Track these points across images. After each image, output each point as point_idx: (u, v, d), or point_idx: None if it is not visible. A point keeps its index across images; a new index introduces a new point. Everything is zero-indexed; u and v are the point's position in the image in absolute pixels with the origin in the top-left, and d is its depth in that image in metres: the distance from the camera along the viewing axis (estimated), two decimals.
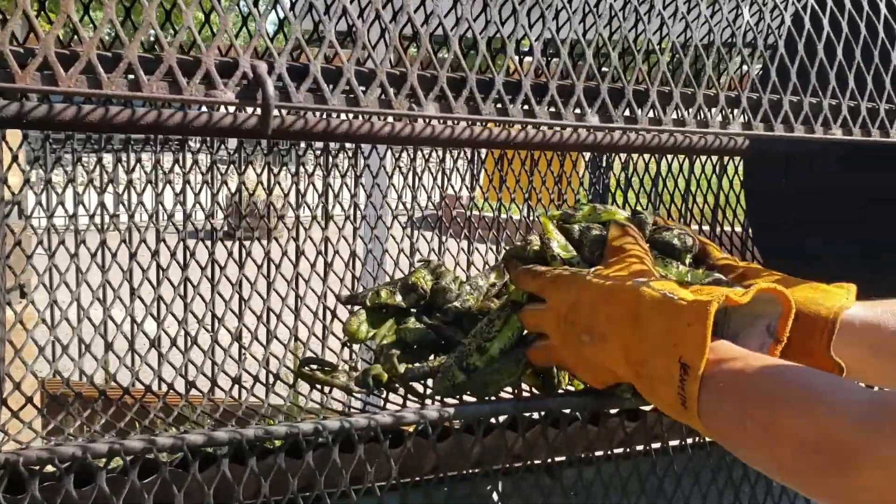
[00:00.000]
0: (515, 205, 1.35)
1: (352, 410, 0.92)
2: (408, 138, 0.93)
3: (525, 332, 0.87)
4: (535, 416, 0.93)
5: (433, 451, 0.86)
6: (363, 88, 0.65)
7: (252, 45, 0.63)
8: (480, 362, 0.88)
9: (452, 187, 1.33)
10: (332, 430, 0.78)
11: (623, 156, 1.51)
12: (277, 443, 0.81)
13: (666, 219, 0.92)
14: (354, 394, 0.98)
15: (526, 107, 0.70)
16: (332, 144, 1.21)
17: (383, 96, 0.65)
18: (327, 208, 1.17)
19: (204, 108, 0.88)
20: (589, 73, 0.73)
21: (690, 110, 0.75)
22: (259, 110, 0.61)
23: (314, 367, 1.02)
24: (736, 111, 0.77)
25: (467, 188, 1.39)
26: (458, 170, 1.33)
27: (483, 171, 1.53)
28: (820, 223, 1.23)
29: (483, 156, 1.53)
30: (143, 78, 0.59)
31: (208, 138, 1.22)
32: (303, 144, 1.22)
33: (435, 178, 1.29)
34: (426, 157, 1.29)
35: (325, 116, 0.93)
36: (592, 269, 0.79)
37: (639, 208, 0.92)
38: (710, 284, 0.79)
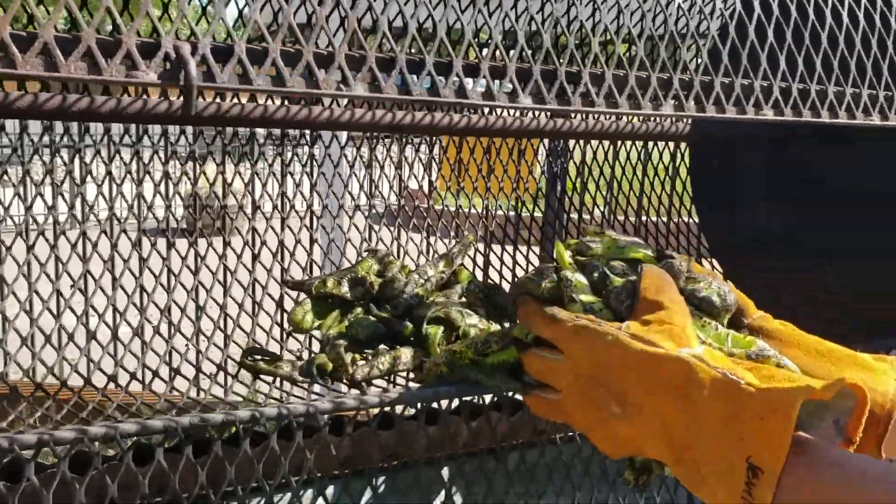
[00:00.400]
0: (466, 195, 1.35)
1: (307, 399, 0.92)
2: (346, 124, 0.92)
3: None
4: (479, 400, 0.93)
5: (375, 438, 0.86)
6: (290, 69, 0.64)
7: (175, 25, 0.62)
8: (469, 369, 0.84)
9: (401, 178, 1.33)
10: (269, 417, 0.77)
11: (576, 145, 1.51)
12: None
13: (694, 263, 0.83)
14: (299, 383, 0.97)
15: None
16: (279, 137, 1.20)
17: (311, 77, 0.65)
18: (256, 202, 1.16)
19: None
20: (523, 57, 0.73)
21: (623, 92, 0.76)
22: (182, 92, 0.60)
23: (257, 357, 1.01)
24: (668, 93, 0.78)
25: (416, 178, 1.38)
26: (405, 159, 1.33)
27: (436, 159, 1.53)
28: (762, 205, 1.25)
29: (432, 144, 1.53)
30: (60, 58, 0.57)
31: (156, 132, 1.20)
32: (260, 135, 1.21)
33: (381, 168, 1.28)
34: (365, 145, 1.29)
35: (263, 103, 0.92)
36: (624, 325, 0.70)
37: (667, 251, 0.85)
38: (758, 357, 0.70)
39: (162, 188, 1.10)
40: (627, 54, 0.77)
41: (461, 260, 1.20)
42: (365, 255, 1.15)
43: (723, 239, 1.34)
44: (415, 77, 0.68)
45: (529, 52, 0.74)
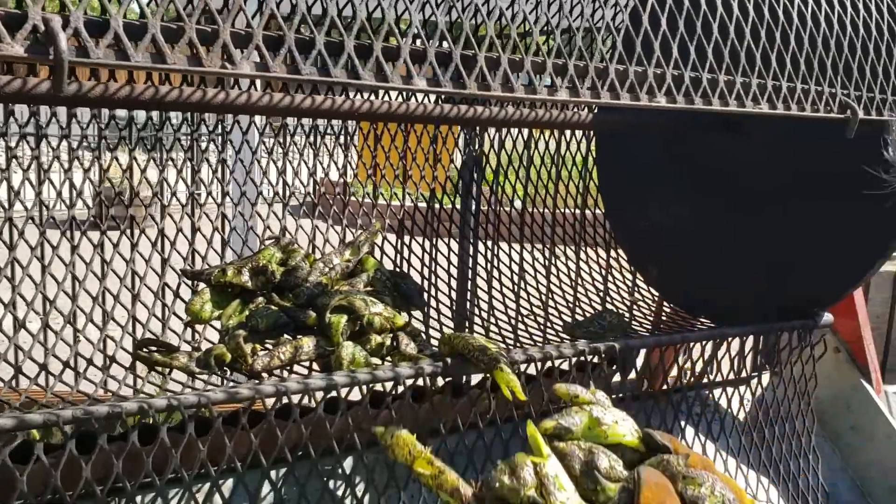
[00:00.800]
0: (379, 184, 1.33)
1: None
2: (243, 107, 0.90)
3: None
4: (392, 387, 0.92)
5: (274, 429, 0.84)
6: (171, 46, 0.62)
7: None
8: None
9: (302, 165, 1.30)
10: (158, 409, 0.74)
11: (484, 133, 1.51)
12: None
13: (685, 449, 0.78)
14: (196, 375, 0.94)
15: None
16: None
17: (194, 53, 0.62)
18: (153, 188, 1.12)
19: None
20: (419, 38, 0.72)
21: (519, 77, 0.76)
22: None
23: (153, 348, 0.97)
24: (564, 79, 0.78)
25: (321, 166, 1.36)
26: (304, 146, 1.30)
27: (355, 147, 1.50)
28: (657, 196, 1.27)
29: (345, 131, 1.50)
30: None
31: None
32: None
33: (284, 155, 1.26)
34: (270, 131, 1.26)
35: (154, 84, 0.89)
36: None
37: (655, 435, 0.78)
38: None
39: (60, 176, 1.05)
40: (530, 43, 0.77)
41: (367, 248, 1.19)
42: (267, 243, 1.13)
43: (627, 227, 1.36)
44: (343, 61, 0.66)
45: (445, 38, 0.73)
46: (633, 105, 0.82)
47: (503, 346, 0.94)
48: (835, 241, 1.11)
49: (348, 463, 0.91)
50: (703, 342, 1.09)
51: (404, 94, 1.14)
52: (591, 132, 1.42)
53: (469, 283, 1.44)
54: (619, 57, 0.81)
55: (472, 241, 1.44)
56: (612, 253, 1.38)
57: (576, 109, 1.15)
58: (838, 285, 1.14)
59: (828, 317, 1.15)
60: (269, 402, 0.84)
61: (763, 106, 0.89)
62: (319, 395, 0.87)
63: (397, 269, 1.26)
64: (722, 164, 1.20)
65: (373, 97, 0.99)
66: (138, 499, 0.81)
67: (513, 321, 1.22)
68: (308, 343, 0.98)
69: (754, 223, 1.20)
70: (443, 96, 1.19)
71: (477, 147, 1.61)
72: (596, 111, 1.25)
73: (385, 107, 1.00)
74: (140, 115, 1.16)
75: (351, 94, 1.09)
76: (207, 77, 1.04)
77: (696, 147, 1.21)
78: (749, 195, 1.21)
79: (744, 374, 1.19)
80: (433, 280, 1.32)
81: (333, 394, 0.85)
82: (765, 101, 0.89)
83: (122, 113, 1.10)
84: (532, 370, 1.01)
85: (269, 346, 0.98)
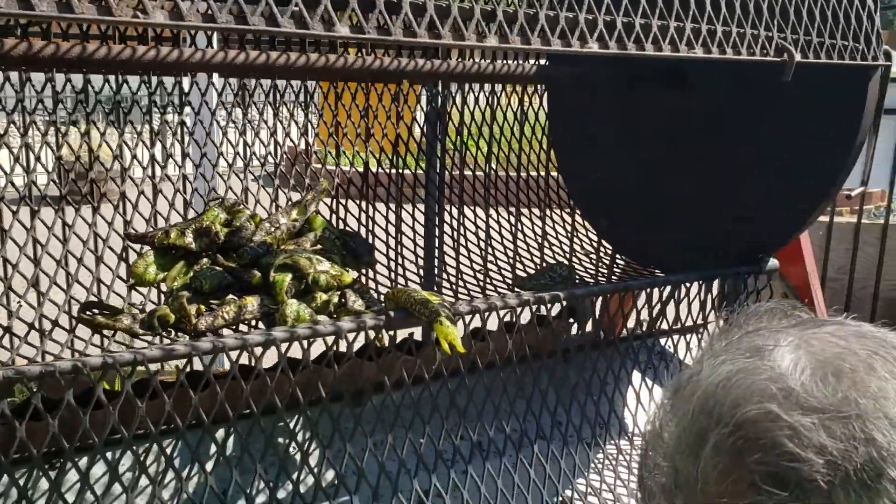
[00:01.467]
0: (349, 141, 1.32)
1: None
2: (175, 64, 0.88)
3: None
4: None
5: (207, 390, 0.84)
6: None
7: None
8: None
9: (258, 132, 1.29)
10: (93, 367, 0.74)
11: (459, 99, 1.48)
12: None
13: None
14: (140, 336, 0.94)
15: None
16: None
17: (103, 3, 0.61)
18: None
19: None
20: None
21: (446, 23, 0.75)
22: None
23: (96, 311, 0.97)
24: (493, 25, 0.78)
25: (289, 135, 1.34)
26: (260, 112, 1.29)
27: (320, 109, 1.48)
28: (605, 147, 1.27)
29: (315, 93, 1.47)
30: None
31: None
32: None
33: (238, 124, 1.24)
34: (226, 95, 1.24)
35: (80, 42, 0.87)
36: None
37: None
38: None
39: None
40: None
41: (315, 207, 1.18)
42: (212, 204, 1.12)
43: (579, 180, 1.37)
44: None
45: None
46: (564, 51, 0.82)
47: (450, 300, 0.94)
48: (778, 187, 1.11)
49: (292, 420, 0.91)
50: (649, 290, 1.10)
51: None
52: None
53: (436, 241, 1.44)
54: (550, 3, 0.80)
55: (436, 200, 1.43)
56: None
57: (522, 62, 1.14)
58: (783, 230, 1.15)
59: (773, 262, 1.17)
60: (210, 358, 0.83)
61: (697, 50, 0.89)
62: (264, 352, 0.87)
63: (346, 228, 1.26)
64: (667, 113, 1.20)
65: (313, 53, 0.98)
66: (82, 462, 0.80)
67: (479, 278, 1.22)
68: (252, 302, 0.98)
69: (699, 172, 1.21)
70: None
71: (433, 102, 1.59)
72: (544, 63, 1.25)
73: (322, 61, 0.99)
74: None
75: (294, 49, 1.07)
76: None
77: (641, 97, 1.21)
78: (693, 144, 1.21)
79: (692, 322, 1.20)
80: (398, 246, 1.31)
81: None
82: (699, 46, 0.89)
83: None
84: (478, 322, 1.02)
85: (214, 307, 0.98)
